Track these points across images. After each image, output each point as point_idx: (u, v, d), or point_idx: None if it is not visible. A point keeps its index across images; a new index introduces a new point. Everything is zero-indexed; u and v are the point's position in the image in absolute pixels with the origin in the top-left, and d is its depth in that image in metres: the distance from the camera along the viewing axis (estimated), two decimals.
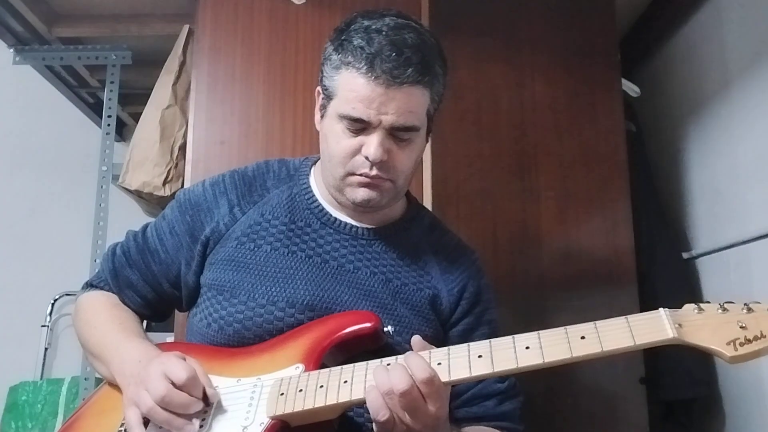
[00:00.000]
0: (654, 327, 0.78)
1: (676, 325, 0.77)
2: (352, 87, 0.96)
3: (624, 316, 0.80)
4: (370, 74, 0.94)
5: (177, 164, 2.06)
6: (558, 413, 1.66)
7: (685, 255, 1.94)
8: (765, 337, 0.72)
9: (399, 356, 0.87)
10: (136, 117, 2.27)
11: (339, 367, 0.89)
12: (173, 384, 0.87)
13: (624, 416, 1.68)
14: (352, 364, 0.88)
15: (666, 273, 1.86)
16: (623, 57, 1.88)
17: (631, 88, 2.01)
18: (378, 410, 0.82)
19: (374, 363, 0.87)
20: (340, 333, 0.94)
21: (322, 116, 1.05)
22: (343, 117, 0.98)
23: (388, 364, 0.85)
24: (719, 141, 1.85)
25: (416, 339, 0.88)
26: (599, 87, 1.82)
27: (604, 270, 1.72)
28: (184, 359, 0.92)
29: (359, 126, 0.98)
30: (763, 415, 1.62)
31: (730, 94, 1.79)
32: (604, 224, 1.74)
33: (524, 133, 1.78)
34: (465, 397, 1.05)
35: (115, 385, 1.00)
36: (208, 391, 0.91)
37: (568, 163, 1.77)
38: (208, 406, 0.91)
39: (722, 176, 1.83)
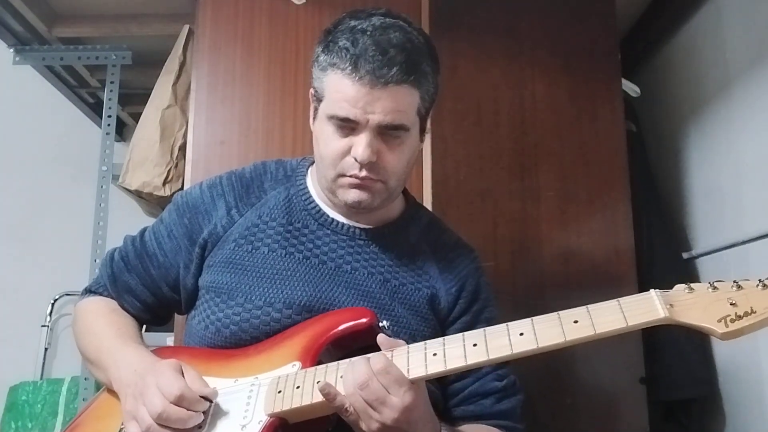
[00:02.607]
0: (645, 308, 0.79)
1: (668, 306, 0.78)
2: (338, 88, 0.97)
3: (615, 299, 0.81)
4: (354, 75, 0.94)
5: (177, 164, 2.05)
6: (558, 413, 1.65)
7: (684, 255, 1.94)
8: (755, 312, 0.73)
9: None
10: (136, 117, 2.27)
11: (335, 362, 0.90)
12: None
13: (624, 416, 1.67)
14: (348, 359, 0.89)
15: (666, 273, 1.85)
16: (623, 57, 1.87)
17: (631, 88, 2.01)
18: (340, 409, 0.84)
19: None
20: (336, 330, 0.95)
21: (314, 118, 1.05)
22: (331, 117, 0.98)
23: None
24: (719, 141, 1.85)
25: (381, 337, 0.89)
26: (599, 87, 1.81)
27: (604, 270, 1.72)
28: (180, 370, 0.92)
29: (348, 126, 0.98)
30: (763, 415, 1.62)
31: (730, 94, 1.79)
32: (604, 224, 1.74)
33: (524, 133, 1.77)
34: (462, 396, 1.05)
35: (114, 391, 1.00)
36: (206, 392, 0.91)
37: (568, 163, 1.77)
38: (211, 404, 0.91)
39: (722, 176, 1.83)
